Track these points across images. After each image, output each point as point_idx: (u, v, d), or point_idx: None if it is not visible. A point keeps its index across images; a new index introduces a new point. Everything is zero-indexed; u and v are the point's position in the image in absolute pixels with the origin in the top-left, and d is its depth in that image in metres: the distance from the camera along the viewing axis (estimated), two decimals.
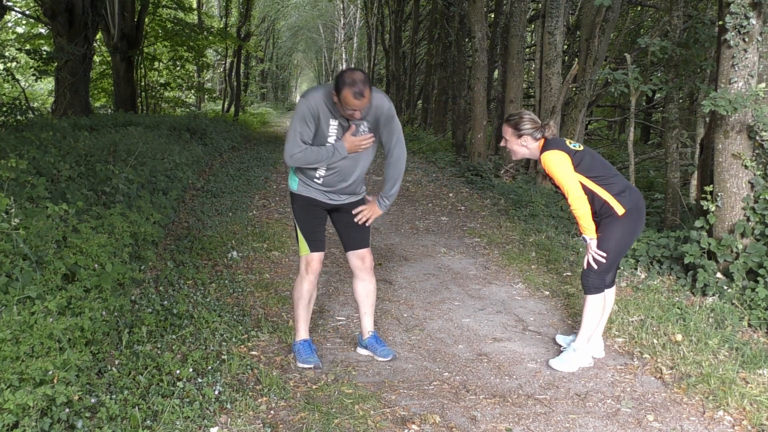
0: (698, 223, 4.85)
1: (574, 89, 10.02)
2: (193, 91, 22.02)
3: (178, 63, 18.51)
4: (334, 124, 3.27)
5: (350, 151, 3.31)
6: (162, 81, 18.37)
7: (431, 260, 5.80)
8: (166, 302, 4.09)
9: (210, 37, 19.30)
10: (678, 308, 4.33)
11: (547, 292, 4.91)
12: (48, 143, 6.43)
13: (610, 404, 3.18)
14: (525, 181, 9.74)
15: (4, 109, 9.14)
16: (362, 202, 3.60)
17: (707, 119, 5.92)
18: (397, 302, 4.64)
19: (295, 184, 3.49)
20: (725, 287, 4.49)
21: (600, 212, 3.44)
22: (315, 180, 3.41)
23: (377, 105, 3.27)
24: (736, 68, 4.56)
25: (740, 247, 4.54)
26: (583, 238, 3.48)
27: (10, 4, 15.19)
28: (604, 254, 3.42)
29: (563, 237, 6.46)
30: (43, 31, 16.63)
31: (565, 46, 13.79)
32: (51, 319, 2.92)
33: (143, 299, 4.11)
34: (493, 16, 15.13)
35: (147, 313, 3.80)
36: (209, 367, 3.29)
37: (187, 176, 8.41)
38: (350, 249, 3.59)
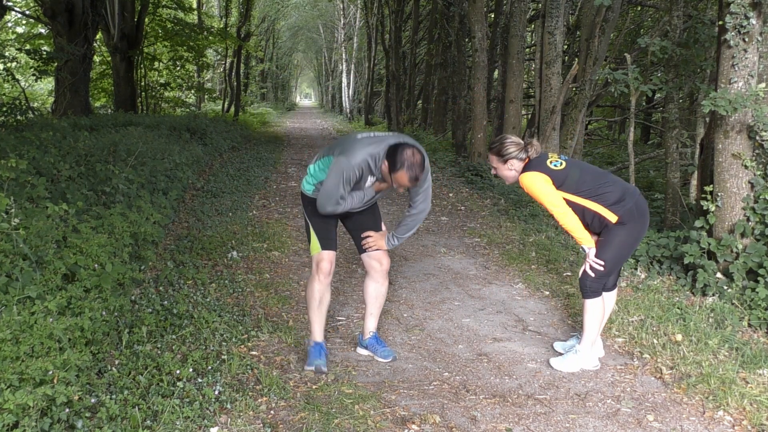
0: (698, 223, 4.85)
1: (574, 89, 10.02)
2: (193, 91, 22.01)
3: (178, 63, 18.49)
4: (371, 180, 3.30)
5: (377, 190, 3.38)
6: (162, 81, 18.36)
7: (431, 260, 5.80)
8: (166, 302, 4.09)
9: (210, 37, 19.29)
10: (678, 308, 4.32)
11: (547, 292, 4.91)
12: (48, 143, 6.43)
13: (610, 404, 3.18)
14: None
15: (4, 109, 9.13)
16: (375, 208, 3.59)
17: (707, 119, 5.92)
18: (397, 302, 4.64)
19: (310, 188, 3.46)
20: (725, 287, 4.49)
21: (593, 224, 3.43)
22: None
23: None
24: (736, 68, 4.56)
25: (740, 247, 4.53)
26: (582, 248, 3.48)
27: (10, 4, 15.19)
28: (602, 262, 3.41)
29: (563, 237, 6.45)
30: (43, 31, 16.62)
31: (565, 46, 13.79)
32: (51, 319, 2.92)
33: (143, 299, 4.11)
34: (493, 16, 15.14)
35: (147, 313, 3.80)
36: (209, 367, 3.29)
37: (187, 176, 8.41)
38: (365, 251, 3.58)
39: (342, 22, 34.01)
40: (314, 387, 3.25)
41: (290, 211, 7.74)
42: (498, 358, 3.71)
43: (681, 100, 8.22)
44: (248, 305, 4.38)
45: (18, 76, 14.64)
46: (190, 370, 3.19)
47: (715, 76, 4.86)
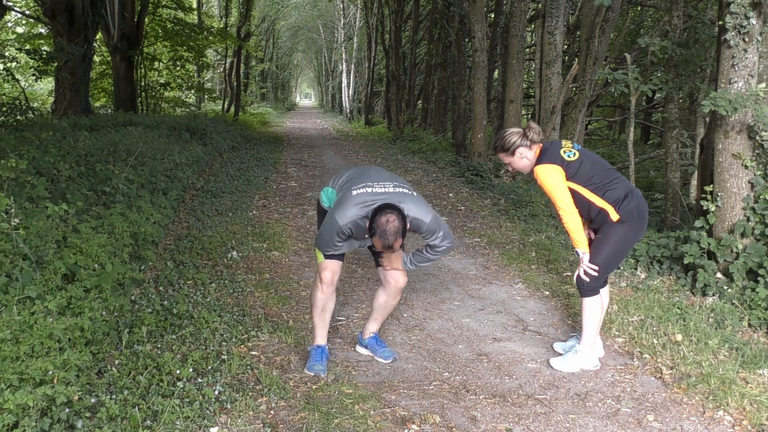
0: (698, 223, 4.85)
1: (574, 89, 10.02)
2: (193, 91, 22.00)
3: (178, 63, 18.49)
4: (368, 239, 3.34)
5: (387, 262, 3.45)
6: (162, 81, 18.36)
7: None
8: (166, 302, 4.09)
9: (210, 37, 19.29)
10: (678, 308, 4.32)
11: (547, 292, 4.91)
12: (48, 143, 6.43)
13: (610, 404, 3.18)
14: (525, 181, 9.74)
15: (4, 109, 9.13)
16: None
17: (707, 119, 5.92)
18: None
19: (328, 201, 3.47)
20: (725, 287, 4.49)
21: (596, 219, 3.44)
22: None
23: (415, 226, 3.23)
24: (736, 68, 4.56)
25: (740, 247, 4.53)
26: (576, 251, 3.48)
27: (10, 4, 15.19)
28: (596, 267, 3.42)
29: (563, 237, 6.46)
30: (43, 31, 16.63)
31: (565, 46, 13.80)
32: (51, 319, 2.92)
33: (143, 299, 4.11)
34: (493, 16, 15.14)
35: (147, 313, 3.80)
36: (209, 367, 3.29)
37: (187, 176, 8.41)
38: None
39: (342, 22, 34.02)
40: (314, 387, 3.25)
41: (290, 211, 7.74)
42: (498, 358, 3.71)
43: (681, 100, 8.22)
44: (248, 305, 4.38)
45: (18, 76, 14.64)
46: (190, 370, 3.19)
47: (715, 76, 4.86)
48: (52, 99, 14.88)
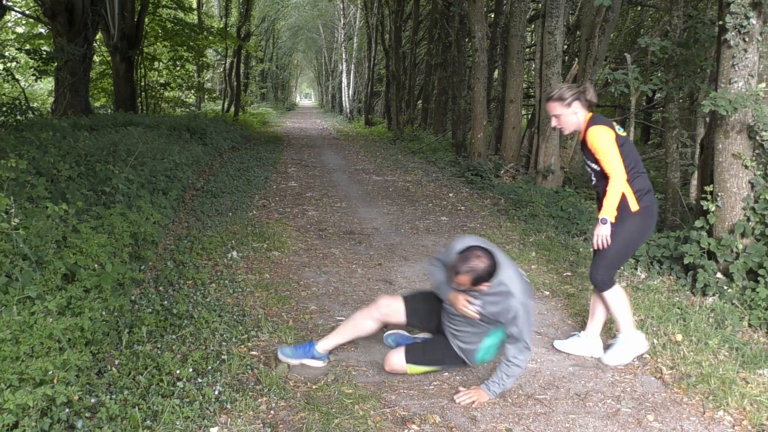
0: (698, 223, 4.85)
1: None
2: (193, 91, 22.00)
3: (178, 63, 18.50)
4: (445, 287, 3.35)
5: (451, 302, 3.29)
6: (162, 81, 18.36)
7: None
8: (166, 302, 4.09)
9: (210, 37, 19.29)
10: (678, 308, 4.32)
11: (547, 292, 4.90)
12: (48, 143, 6.43)
13: (610, 404, 3.18)
14: (525, 181, 9.74)
15: (4, 109, 9.13)
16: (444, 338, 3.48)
17: (707, 119, 5.92)
18: None
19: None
20: (725, 287, 4.49)
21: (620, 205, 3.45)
22: None
23: (498, 295, 3.11)
24: (736, 68, 4.56)
25: (740, 247, 4.53)
26: (601, 219, 3.39)
27: (10, 4, 15.19)
28: (610, 242, 3.41)
29: (563, 237, 6.46)
30: (43, 31, 16.62)
31: (565, 46, 13.79)
32: (51, 319, 2.92)
33: (143, 299, 4.11)
34: (493, 16, 15.14)
35: (147, 313, 3.80)
36: (209, 367, 3.29)
37: (187, 176, 8.41)
38: (413, 323, 3.55)
39: (342, 22, 34.03)
40: (314, 387, 3.24)
41: (290, 211, 7.74)
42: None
43: (681, 100, 8.22)
44: (248, 305, 4.37)
45: (18, 76, 14.65)
46: (190, 370, 3.18)
47: (715, 76, 4.86)
48: (52, 99, 14.88)
